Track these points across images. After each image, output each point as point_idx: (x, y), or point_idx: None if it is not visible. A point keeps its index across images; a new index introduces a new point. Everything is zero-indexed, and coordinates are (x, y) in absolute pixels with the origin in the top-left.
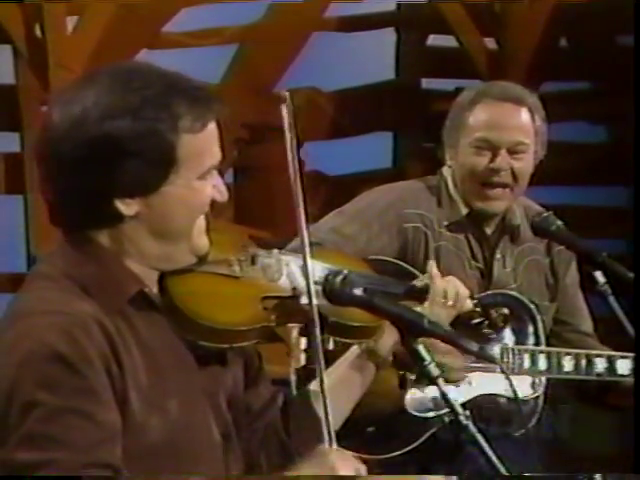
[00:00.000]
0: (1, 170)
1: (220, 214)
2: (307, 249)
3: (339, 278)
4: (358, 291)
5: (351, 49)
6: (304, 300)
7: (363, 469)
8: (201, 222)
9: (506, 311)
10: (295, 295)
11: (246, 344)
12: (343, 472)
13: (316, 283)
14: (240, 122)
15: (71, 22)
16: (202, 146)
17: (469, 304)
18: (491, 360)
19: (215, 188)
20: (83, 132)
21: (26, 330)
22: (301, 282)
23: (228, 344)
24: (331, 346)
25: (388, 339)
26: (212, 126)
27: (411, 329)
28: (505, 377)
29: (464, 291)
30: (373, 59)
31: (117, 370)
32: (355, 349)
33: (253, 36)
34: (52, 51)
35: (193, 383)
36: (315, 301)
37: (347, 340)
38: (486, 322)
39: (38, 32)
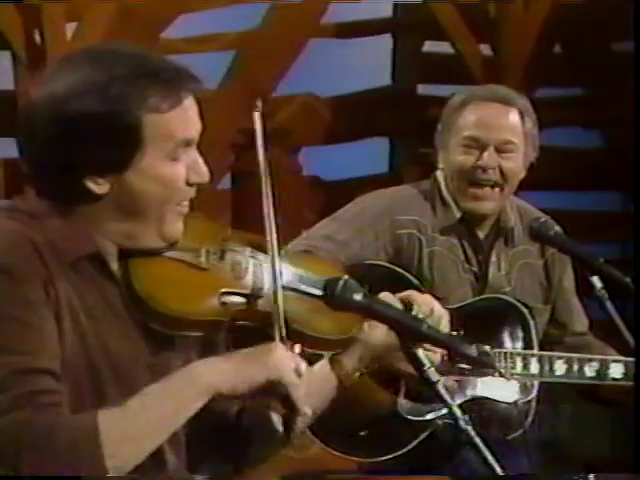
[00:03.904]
0: (0, 176)
1: (217, 218)
2: (275, 250)
3: (340, 283)
4: (358, 296)
5: (348, 55)
6: (262, 302)
7: (303, 366)
8: (180, 208)
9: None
10: (255, 295)
11: (197, 334)
12: (283, 362)
13: (283, 288)
14: (237, 127)
15: (70, 28)
16: (170, 126)
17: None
18: (490, 366)
19: (191, 169)
20: (52, 110)
21: None
22: (267, 283)
23: (178, 331)
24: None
25: (354, 353)
26: (186, 104)
27: (410, 334)
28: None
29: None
30: (369, 65)
31: (57, 291)
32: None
33: (251, 42)
34: (51, 57)
35: (136, 357)
36: (281, 293)
37: (308, 349)
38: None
39: (37, 38)
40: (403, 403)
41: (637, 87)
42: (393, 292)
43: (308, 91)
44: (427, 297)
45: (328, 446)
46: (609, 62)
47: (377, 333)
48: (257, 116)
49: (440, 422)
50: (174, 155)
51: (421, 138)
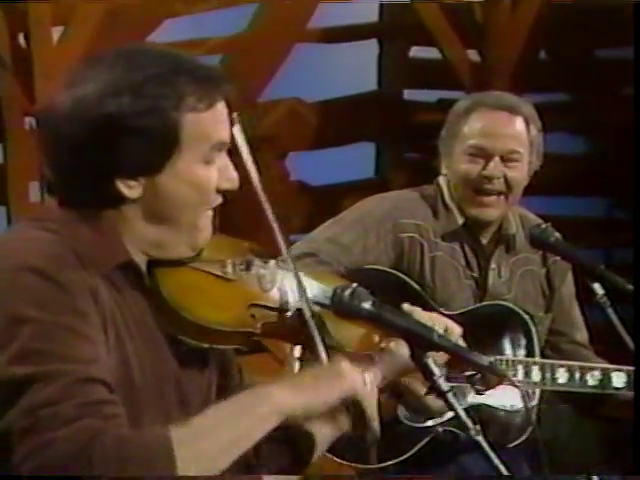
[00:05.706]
0: None
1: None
2: (291, 264)
3: (348, 291)
4: (367, 305)
5: (334, 60)
6: (289, 316)
7: (369, 379)
8: (209, 215)
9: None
10: (284, 309)
11: (227, 347)
12: (354, 378)
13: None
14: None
15: (56, 32)
16: (206, 127)
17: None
18: (502, 375)
19: (223, 174)
20: (84, 110)
21: (10, 252)
22: (292, 298)
23: (208, 343)
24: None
25: (377, 371)
26: (219, 106)
27: (420, 343)
28: (519, 391)
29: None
30: (356, 70)
31: (102, 302)
32: None
33: (237, 47)
34: (37, 61)
35: (166, 371)
36: (307, 307)
37: None
38: (478, 375)
39: (22, 42)
40: (403, 409)
41: (637, 90)
42: (395, 297)
43: (294, 96)
44: (441, 317)
45: (326, 452)
46: (596, 67)
47: (402, 351)
48: (237, 130)
49: (440, 428)
50: (209, 158)
51: (407, 143)
